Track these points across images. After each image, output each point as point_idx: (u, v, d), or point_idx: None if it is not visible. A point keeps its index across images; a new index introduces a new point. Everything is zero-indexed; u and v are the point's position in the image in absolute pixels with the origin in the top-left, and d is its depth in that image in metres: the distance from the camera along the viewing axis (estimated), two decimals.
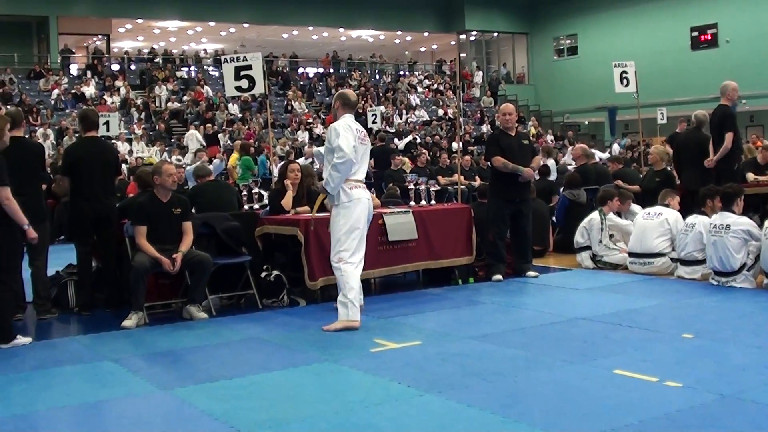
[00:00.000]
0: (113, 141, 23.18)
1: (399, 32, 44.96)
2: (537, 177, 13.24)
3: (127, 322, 8.00)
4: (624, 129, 39.24)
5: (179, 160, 24.14)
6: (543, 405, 5.16)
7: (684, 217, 10.16)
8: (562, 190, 13.66)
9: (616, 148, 26.68)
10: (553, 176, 16.63)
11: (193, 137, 26.89)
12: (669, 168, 13.03)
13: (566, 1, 41.28)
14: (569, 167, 18.93)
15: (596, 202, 11.61)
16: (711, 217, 9.49)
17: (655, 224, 10.31)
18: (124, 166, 19.48)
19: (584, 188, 13.06)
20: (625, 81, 16.52)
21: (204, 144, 26.14)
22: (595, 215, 11.17)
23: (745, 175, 12.08)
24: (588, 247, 11.12)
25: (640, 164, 17.99)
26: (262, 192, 11.69)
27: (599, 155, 22.04)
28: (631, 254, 10.53)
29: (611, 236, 11.09)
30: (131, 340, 7.56)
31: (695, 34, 36.88)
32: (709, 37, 36.45)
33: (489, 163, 10.95)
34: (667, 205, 10.60)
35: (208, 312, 8.52)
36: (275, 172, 13.09)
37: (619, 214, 11.52)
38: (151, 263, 8.19)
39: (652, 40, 37.38)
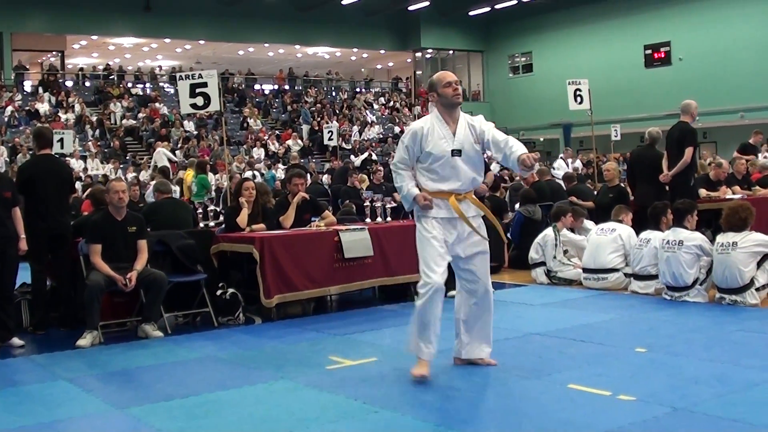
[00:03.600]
0: (67, 158, 23.02)
1: (355, 49, 45.01)
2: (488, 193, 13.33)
3: (81, 342, 7.93)
4: (578, 146, 39.55)
5: (135, 178, 24.04)
6: (498, 420, 5.20)
7: (637, 233, 10.26)
8: (517, 206, 13.73)
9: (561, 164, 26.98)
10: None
11: (161, 154, 26.76)
12: (623, 184, 13.18)
13: (521, 20, 41.59)
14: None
15: (550, 219, 11.69)
16: (664, 233, 9.60)
17: (609, 240, 10.40)
18: (78, 184, 19.36)
19: (539, 204, 13.15)
20: (578, 98, 16.64)
21: (173, 161, 26.12)
22: (549, 231, 11.26)
23: (698, 191, 12.25)
24: (542, 263, 11.20)
25: (595, 181, 18.13)
26: (218, 209, 11.67)
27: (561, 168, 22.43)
28: (585, 270, 10.62)
29: (565, 252, 11.17)
30: (86, 359, 7.50)
31: (649, 51, 37.32)
32: (663, 55, 36.89)
33: None
34: (621, 221, 10.71)
35: (163, 330, 8.48)
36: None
37: (573, 230, 11.61)
38: (105, 282, 8.14)
39: (606, 58, 37.78)
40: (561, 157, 26.61)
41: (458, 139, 6.30)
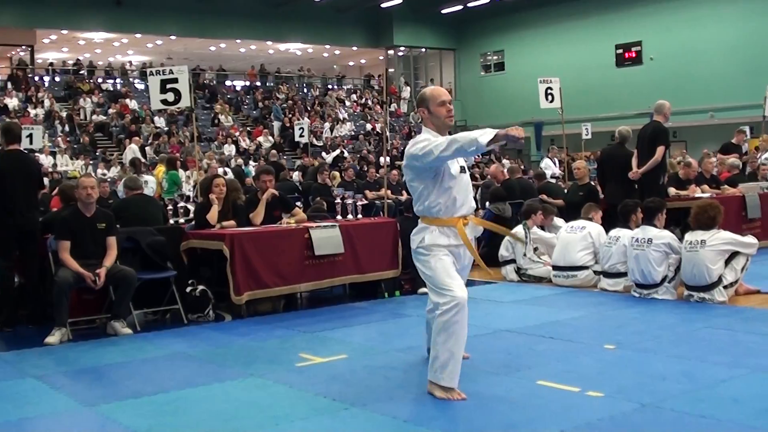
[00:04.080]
0: (36, 154, 22.85)
1: (327, 46, 44.95)
2: None
3: (50, 339, 7.88)
4: (549, 144, 39.68)
5: (104, 174, 23.92)
6: (467, 416, 5.21)
7: (607, 231, 10.32)
8: (486, 204, 13.74)
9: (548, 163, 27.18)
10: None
11: (131, 151, 26.63)
12: (593, 182, 13.24)
13: (493, 18, 41.65)
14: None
15: (521, 216, 11.72)
16: (633, 231, 9.66)
17: (579, 238, 10.45)
18: (46, 180, 19.22)
19: (509, 202, 13.19)
20: (549, 97, 16.71)
21: (141, 161, 26.00)
22: (519, 229, 11.29)
23: (667, 189, 12.34)
24: (512, 261, 11.23)
25: (565, 179, 18.21)
26: (188, 206, 11.62)
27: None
28: (554, 267, 10.66)
29: (535, 249, 11.21)
30: (54, 356, 7.46)
31: (620, 51, 37.47)
32: (634, 55, 37.05)
33: None
34: (590, 219, 10.76)
35: (132, 327, 8.43)
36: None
37: (543, 228, 11.65)
38: (74, 278, 8.09)
39: (578, 57, 37.90)
40: (548, 156, 26.69)
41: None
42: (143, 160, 26.66)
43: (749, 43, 32.32)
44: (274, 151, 27.25)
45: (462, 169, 5.91)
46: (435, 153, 5.51)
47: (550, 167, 24.52)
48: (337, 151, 31.92)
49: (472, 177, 18.82)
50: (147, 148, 28.49)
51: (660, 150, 11.47)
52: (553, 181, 19.28)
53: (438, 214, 5.81)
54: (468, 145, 5.41)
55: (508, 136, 5.28)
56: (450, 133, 5.86)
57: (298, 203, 11.89)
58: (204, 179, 11.58)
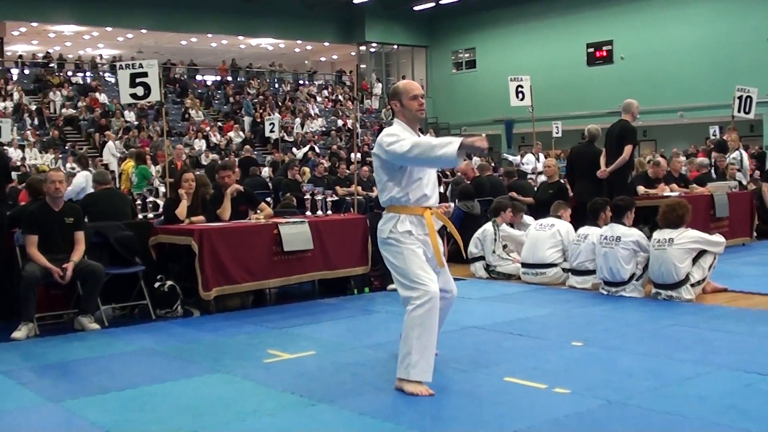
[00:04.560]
0: (5, 147, 22.68)
1: (299, 41, 44.89)
2: None
3: (17, 334, 7.82)
4: (520, 142, 39.84)
5: (73, 168, 23.75)
6: (435, 412, 5.22)
7: (575, 229, 10.37)
8: (456, 201, 13.78)
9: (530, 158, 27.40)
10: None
11: (109, 150, 26.53)
12: (562, 180, 13.30)
13: (465, 16, 41.74)
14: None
15: (490, 214, 11.75)
16: (602, 229, 9.70)
17: (547, 235, 10.49)
18: (14, 174, 19.08)
19: (479, 200, 13.21)
20: (520, 95, 16.77)
21: (116, 155, 25.94)
22: (488, 226, 11.32)
23: (636, 188, 12.41)
24: (482, 258, 11.26)
25: (535, 177, 18.29)
26: (157, 201, 11.57)
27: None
28: (523, 264, 10.69)
29: (505, 247, 11.24)
30: (21, 351, 7.41)
31: (591, 50, 37.71)
32: (605, 54, 37.30)
33: None
34: (559, 217, 10.80)
35: (100, 323, 8.38)
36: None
37: (512, 225, 11.68)
38: (42, 273, 8.04)
39: (549, 56, 38.07)
40: (531, 153, 26.82)
41: None
42: (117, 154, 26.58)
43: (719, 44, 32.60)
44: (248, 147, 27.21)
45: None
46: (398, 152, 5.55)
47: (530, 163, 24.68)
48: (308, 147, 31.87)
49: (444, 174, 18.99)
50: (117, 142, 28.31)
51: (627, 149, 11.54)
52: (533, 176, 19.38)
53: (407, 203, 5.82)
54: (437, 160, 5.46)
55: (474, 147, 5.33)
56: (421, 130, 5.99)
57: (268, 199, 11.87)
58: (175, 173, 11.52)
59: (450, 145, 5.28)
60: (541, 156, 23.11)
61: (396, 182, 5.82)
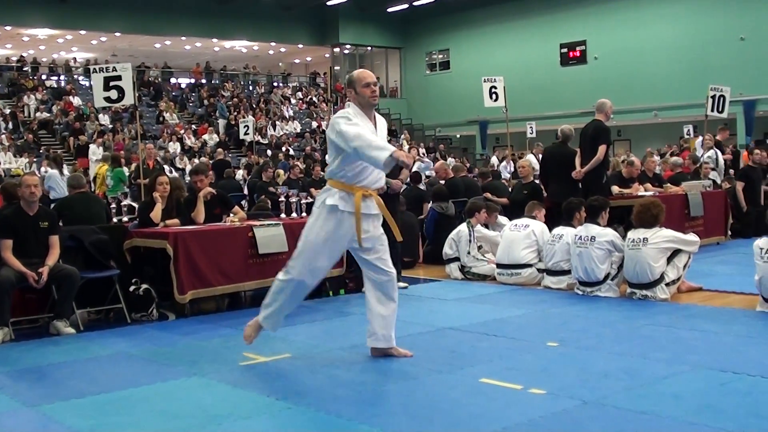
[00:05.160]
0: None
1: (273, 44, 44.87)
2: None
3: None
4: (495, 142, 39.94)
5: (46, 172, 23.60)
6: (410, 413, 5.21)
7: (550, 229, 10.37)
8: (430, 202, 13.77)
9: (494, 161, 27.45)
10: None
11: (94, 155, 26.47)
12: (536, 181, 13.32)
13: (439, 17, 41.81)
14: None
15: (464, 214, 11.74)
16: (576, 229, 9.72)
17: (522, 236, 10.50)
18: None
19: (453, 200, 13.21)
20: (494, 96, 16.82)
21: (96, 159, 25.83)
22: (463, 227, 11.32)
23: (610, 188, 12.44)
24: (457, 259, 11.25)
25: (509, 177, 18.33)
26: (132, 204, 11.51)
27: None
28: (498, 265, 10.69)
29: (479, 248, 11.24)
30: None
31: (564, 50, 37.84)
32: (578, 54, 37.44)
33: None
34: (534, 217, 10.81)
35: (75, 327, 8.32)
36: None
37: (487, 226, 11.69)
38: (16, 277, 7.97)
39: (523, 56, 38.19)
40: (532, 153, 26.88)
41: (380, 134, 6.40)
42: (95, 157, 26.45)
43: (692, 44, 32.78)
44: (220, 150, 27.13)
45: None
46: (344, 136, 6.04)
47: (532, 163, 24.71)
48: (282, 149, 31.83)
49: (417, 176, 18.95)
50: (92, 146, 28.17)
51: (601, 149, 11.55)
52: (508, 176, 19.43)
53: (342, 179, 6.31)
54: (368, 159, 5.95)
55: (401, 161, 5.84)
56: (374, 116, 6.53)
57: (243, 202, 11.84)
58: (148, 173, 11.47)
59: (383, 150, 5.83)
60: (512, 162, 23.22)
61: (340, 160, 6.28)
